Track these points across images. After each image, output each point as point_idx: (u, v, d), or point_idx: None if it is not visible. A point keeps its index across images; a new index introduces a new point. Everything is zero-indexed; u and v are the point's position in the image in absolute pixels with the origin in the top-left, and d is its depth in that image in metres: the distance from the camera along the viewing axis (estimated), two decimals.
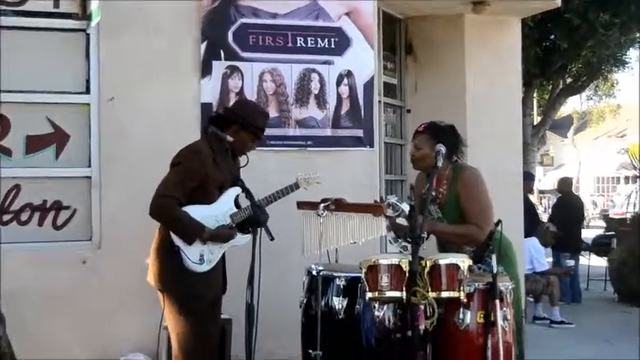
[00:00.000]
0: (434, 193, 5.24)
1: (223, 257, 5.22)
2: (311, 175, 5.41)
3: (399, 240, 5.19)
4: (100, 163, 6.29)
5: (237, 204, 5.22)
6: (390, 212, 5.08)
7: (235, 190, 5.22)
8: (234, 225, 5.10)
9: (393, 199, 5.12)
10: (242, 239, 5.16)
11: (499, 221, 5.00)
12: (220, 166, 5.10)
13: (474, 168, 5.38)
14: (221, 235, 5.02)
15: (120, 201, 6.06)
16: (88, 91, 6.35)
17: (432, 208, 5.29)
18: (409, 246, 4.97)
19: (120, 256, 6.05)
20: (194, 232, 4.91)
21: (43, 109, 6.28)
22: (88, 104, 6.34)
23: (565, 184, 13.92)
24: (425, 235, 4.54)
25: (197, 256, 4.94)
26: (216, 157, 5.08)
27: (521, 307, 5.43)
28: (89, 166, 6.32)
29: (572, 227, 12.76)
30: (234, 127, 5.13)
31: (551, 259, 12.60)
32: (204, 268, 4.99)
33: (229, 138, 5.08)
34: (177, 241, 4.92)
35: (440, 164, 4.88)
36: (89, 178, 6.32)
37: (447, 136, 5.34)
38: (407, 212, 5.08)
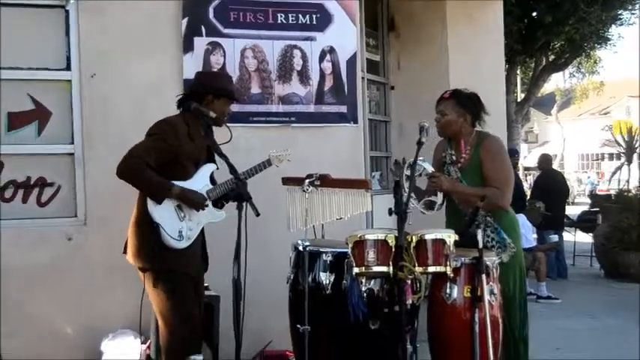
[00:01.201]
0: (454, 157, 5.31)
1: (203, 234, 5.22)
2: (282, 152, 5.42)
3: (421, 200, 5.25)
4: (83, 140, 6.25)
5: (212, 180, 5.22)
6: (409, 172, 5.08)
7: (210, 167, 5.22)
8: (210, 201, 5.09)
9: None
10: (218, 215, 5.19)
11: (484, 197, 5.00)
12: (196, 141, 5.09)
13: (497, 137, 5.43)
14: (189, 197, 4.97)
15: (104, 177, 6.00)
16: (69, 67, 6.29)
17: (451, 169, 5.34)
18: (434, 202, 5.01)
19: (105, 233, 6.01)
20: (163, 188, 4.89)
21: (24, 86, 6.22)
22: (70, 81, 6.28)
23: (545, 161, 13.97)
24: (411, 210, 4.52)
25: (176, 232, 4.92)
26: (191, 132, 5.06)
27: (525, 282, 5.44)
28: (72, 142, 6.27)
29: (554, 204, 12.79)
30: (207, 100, 5.13)
31: (535, 236, 12.65)
32: (183, 244, 4.97)
33: (212, 114, 5.05)
34: (155, 217, 4.89)
35: (424, 140, 4.85)
36: (72, 154, 6.27)
37: (471, 103, 5.41)
38: (429, 171, 5.14)
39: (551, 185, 13.20)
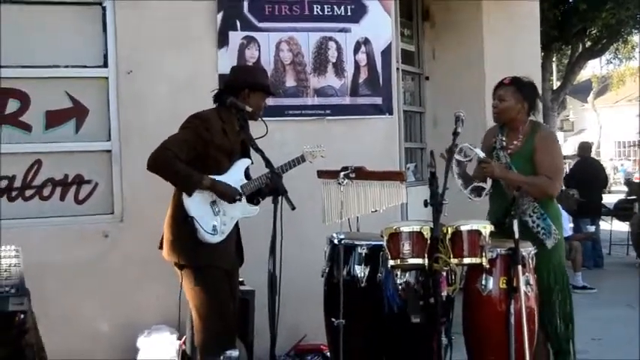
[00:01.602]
0: (505, 143, 5.30)
1: (238, 229, 5.24)
2: (316, 148, 5.42)
3: (469, 186, 5.28)
4: (119, 137, 6.31)
5: (247, 176, 5.23)
6: (460, 158, 5.12)
7: (245, 162, 5.24)
8: (244, 195, 5.11)
9: (466, 143, 5.17)
10: (251, 210, 5.20)
11: (519, 187, 4.99)
12: (229, 136, 5.11)
13: (550, 129, 5.44)
14: (221, 189, 4.99)
15: (140, 173, 6.01)
16: (105, 64, 6.34)
17: (501, 154, 5.32)
18: (482, 188, 5.02)
19: (142, 229, 6.06)
20: (193, 180, 4.92)
21: (61, 84, 6.28)
22: (107, 77, 6.33)
23: (584, 149, 13.84)
24: (446, 201, 4.52)
25: (210, 227, 4.95)
26: (225, 126, 5.09)
27: (565, 270, 5.44)
28: (109, 139, 6.33)
29: (591, 192, 12.70)
30: (243, 94, 5.14)
31: (571, 225, 12.55)
32: (217, 238, 5.00)
33: (248, 108, 5.07)
34: (191, 211, 4.92)
35: (460, 130, 4.84)
36: (109, 151, 6.33)
37: (530, 91, 5.43)
38: (481, 156, 5.15)
39: (589, 173, 13.09)
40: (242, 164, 5.22)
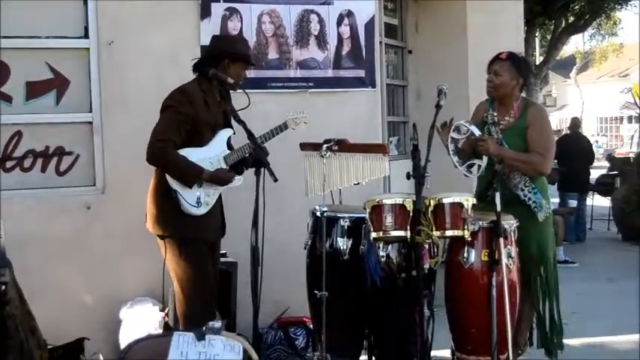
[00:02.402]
0: (496, 119, 5.31)
1: (220, 200, 5.23)
2: (299, 115, 5.39)
3: (465, 163, 5.29)
4: (101, 108, 6.24)
5: (229, 146, 5.21)
6: (455, 135, 5.16)
7: (227, 132, 5.21)
8: (228, 167, 5.10)
9: (462, 121, 5.20)
10: (237, 180, 5.16)
11: (502, 160, 5.01)
12: (211, 107, 5.09)
13: (542, 106, 5.48)
14: (220, 178, 5.01)
15: (122, 145, 6.03)
16: (86, 35, 6.27)
17: (493, 129, 5.34)
18: (475, 166, 5.03)
19: (124, 201, 6.04)
20: (193, 174, 4.91)
21: (42, 55, 6.19)
22: (88, 48, 6.26)
23: (575, 124, 13.90)
24: (429, 174, 4.52)
25: (194, 199, 4.94)
26: (207, 98, 5.06)
27: (553, 244, 5.52)
28: (90, 111, 6.26)
29: (578, 168, 12.78)
30: (223, 64, 5.10)
31: (557, 200, 12.63)
32: (202, 210, 4.99)
33: (230, 80, 5.04)
34: (173, 184, 4.91)
35: (442, 103, 4.83)
36: (91, 123, 6.26)
37: (525, 67, 5.49)
38: (476, 134, 5.16)
39: (578, 149, 13.15)
40: (224, 135, 5.19)
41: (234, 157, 5.11)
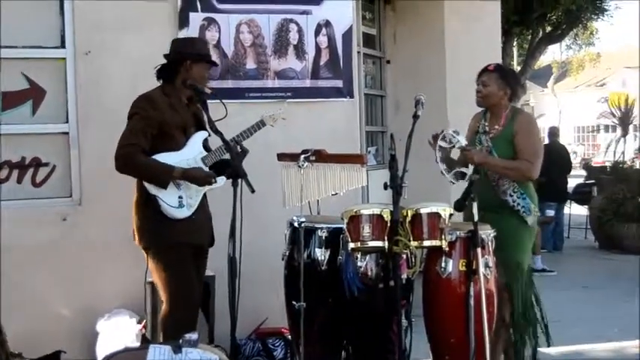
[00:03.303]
0: (487, 128, 5.44)
1: (207, 207, 5.21)
2: (276, 112, 5.39)
3: (452, 171, 5.30)
4: (77, 119, 6.21)
5: (207, 148, 5.20)
6: (442, 144, 5.19)
7: (202, 134, 5.20)
8: (207, 168, 5.09)
9: (449, 130, 5.22)
10: (219, 180, 5.12)
11: (478, 170, 5.04)
12: (177, 109, 5.08)
13: (530, 113, 5.55)
14: (195, 175, 4.97)
15: (99, 156, 5.98)
16: (63, 45, 6.25)
17: (483, 138, 5.45)
18: (464, 173, 5.05)
19: (100, 212, 6.02)
20: (164, 173, 4.89)
21: (18, 65, 6.16)
22: (64, 58, 6.24)
23: (553, 134, 13.97)
24: (406, 184, 4.53)
25: (175, 200, 4.93)
26: (172, 100, 5.06)
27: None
28: (67, 121, 6.24)
29: (557, 177, 12.85)
30: (185, 66, 5.10)
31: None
32: (185, 212, 4.98)
33: (207, 90, 5.05)
34: (151, 189, 4.90)
35: (420, 113, 4.85)
36: (67, 133, 6.24)
37: (512, 79, 5.59)
38: (462, 144, 5.19)
39: (556, 158, 13.22)
40: (199, 137, 5.18)
41: (212, 157, 5.10)
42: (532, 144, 5.37)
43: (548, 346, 5.50)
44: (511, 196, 5.30)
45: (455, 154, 5.45)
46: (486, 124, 5.48)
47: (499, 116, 5.44)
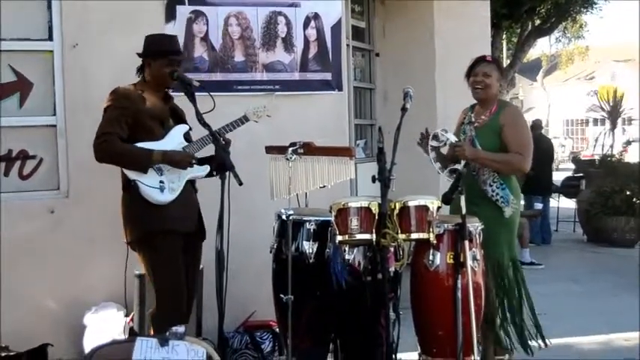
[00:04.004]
0: (473, 119, 5.46)
1: (195, 197, 5.22)
2: (259, 108, 5.39)
3: (445, 169, 5.27)
4: (65, 111, 6.20)
5: (188, 140, 5.21)
6: (434, 143, 5.23)
7: (183, 127, 5.23)
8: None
9: (438, 129, 5.24)
10: (201, 169, 5.16)
11: (467, 163, 5.05)
12: (153, 103, 5.09)
13: (516, 105, 5.58)
14: (174, 157, 4.99)
15: (87, 149, 5.90)
16: (50, 37, 6.22)
17: (467, 128, 5.47)
18: (459, 168, 5.04)
19: (88, 205, 6.00)
20: (143, 156, 4.91)
21: (5, 57, 6.13)
22: (52, 51, 6.21)
23: (535, 127, 13.99)
24: (394, 177, 4.52)
25: (156, 183, 4.93)
26: (145, 94, 5.08)
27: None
28: (54, 114, 6.22)
29: (542, 169, 12.87)
30: (148, 62, 5.17)
31: (522, 202, 12.72)
32: (168, 196, 4.98)
33: (196, 82, 5.04)
34: (131, 175, 4.91)
35: (408, 106, 4.84)
36: (54, 126, 6.22)
37: (502, 71, 5.66)
38: (453, 141, 5.21)
39: (540, 150, 13.22)
40: (179, 129, 5.20)
41: (194, 147, 5.10)
42: (521, 136, 5.37)
43: (540, 349, 5.46)
44: (490, 186, 5.29)
45: (444, 150, 5.44)
46: (472, 114, 5.49)
47: (487, 108, 5.44)
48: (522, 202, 12.50)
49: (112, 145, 4.86)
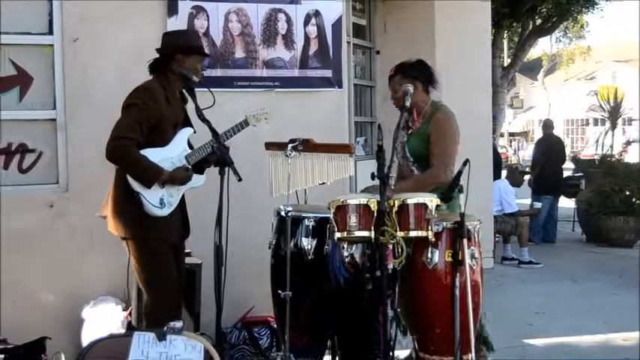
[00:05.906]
0: (410, 124, 5.35)
1: (183, 202, 5.20)
2: (259, 111, 5.39)
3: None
4: (65, 105, 6.19)
5: (189, 145, 5.19)
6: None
7: (187, 131, 5.20)
8: (189, 166, 5.07)
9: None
10: (199, 179, 5.16)
11: (467, 161, 5.03)
12: (172, 104, 5.06)
13: (448, 110, 5.43)
14: (178, 177, 4.98)
15: (86, 143, 5.98)
16: (51, 31, 6.21)
17: (402, 133, 5.39)
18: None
19: (87, 199, 5.98)
20: (153, 175, 4.87)
21: (5, 51, 6.13)
22: (52, 45, 6.20)
23: (547, 126, 14.02)
24: (393, 175, 4.53)
25: (157, 200, 4.90)
26: (168, 95, 5.03)
27: None
28: (54, 108, 6.21)
29: (551, 169, 12.91)
30: (177, 59, 5.07)
31: (529, 202, 12.77)
32: (165, 211, 4.96)
33: (195, 78, 5.02)
34: (135, 186, 4.87)
35: (408, 104, 4.85)
36: (54, 120, 6.21)
37: (417, 71, 5.48)
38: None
39: (552, 150, 13.28)
40: (184, 133, 5.17)
41: (196, 156, 5.09)
42: (440, 146, 5.27)
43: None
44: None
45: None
46: (409, 119, 5.38)
47: (419, 112, 5.38)
48: (528, 201, 12.55)
49: (127, 153, 4.81)
